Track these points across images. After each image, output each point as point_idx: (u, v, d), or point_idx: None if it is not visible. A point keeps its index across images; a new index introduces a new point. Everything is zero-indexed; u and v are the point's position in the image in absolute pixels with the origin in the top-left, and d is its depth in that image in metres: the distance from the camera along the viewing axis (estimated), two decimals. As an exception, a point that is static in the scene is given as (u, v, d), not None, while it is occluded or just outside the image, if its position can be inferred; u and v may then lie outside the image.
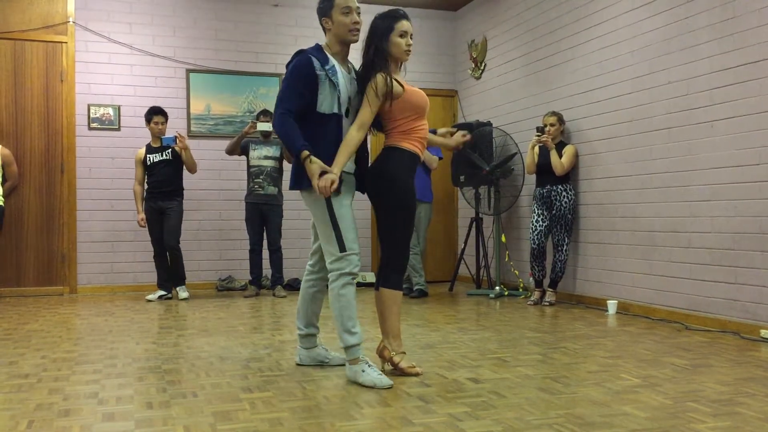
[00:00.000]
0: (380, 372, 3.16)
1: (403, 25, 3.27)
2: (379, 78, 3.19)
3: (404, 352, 3.34)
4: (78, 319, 5.16)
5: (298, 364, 3.54)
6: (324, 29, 3.30)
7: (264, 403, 2.81)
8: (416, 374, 3.29)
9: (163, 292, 6.40)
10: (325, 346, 3.61)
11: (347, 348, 3.19)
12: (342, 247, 3.15)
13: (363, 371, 3.13)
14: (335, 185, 3.06)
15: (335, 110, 3.20)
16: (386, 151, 3.29)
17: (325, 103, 3.19)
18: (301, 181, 3.20)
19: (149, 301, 6.26)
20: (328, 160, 3.14)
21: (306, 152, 3.08)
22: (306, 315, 3.49)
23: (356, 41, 3.29)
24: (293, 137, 3.10)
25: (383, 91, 3.18)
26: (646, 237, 5.19)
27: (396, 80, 3.24)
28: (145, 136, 6.96)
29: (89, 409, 2.74)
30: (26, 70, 6.79)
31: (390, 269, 3.26)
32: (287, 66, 3.28)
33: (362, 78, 3.29)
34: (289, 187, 3.30)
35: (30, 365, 3.57)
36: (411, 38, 3.30)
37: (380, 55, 3.25)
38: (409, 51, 3.30)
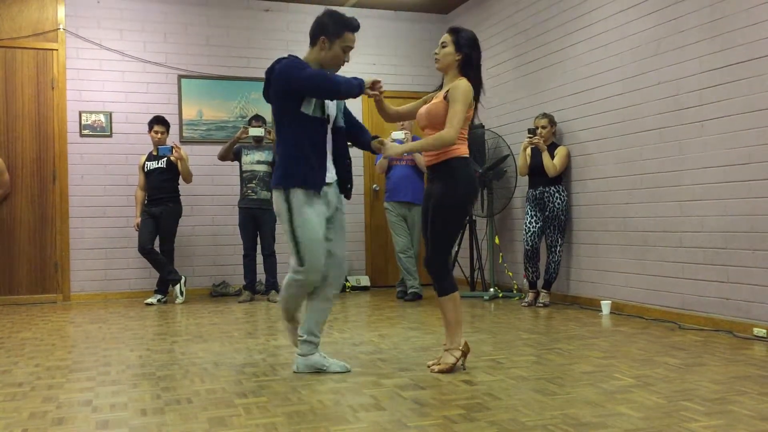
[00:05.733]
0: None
1: None
2: (468, 84, 3.30)
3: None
4: (72, 327, 5.14)
5: (295, 372, 3.47)
6: (314, 44, 3.29)
7: (259, 409, 2.81)
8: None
9: (160, 296, 6.52)
10: (323, 353, 3.51)
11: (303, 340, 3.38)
12: (300, 262, 3.20)
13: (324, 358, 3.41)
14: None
15: (318, 114, 3.23)
16: (460, 162, 3.33)
17: (307, 105, 3.21)
18: (279, 180, 3.25)
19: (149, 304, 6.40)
20: (311, 162, 3.22)
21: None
22: (306, 321, 3.45)
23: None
24: (341, 80, 3.17)
25: (471, 97, 3.30)
26: (639, 237, 5.21)
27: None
28: (138, 143, 7.00)
29: (83, 417, 2.73)
30: (17, 78, 6.77)
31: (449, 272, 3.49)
32: (274, 69, 3.25)
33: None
34: (272, 185, 3.32)
35: (23, 373, 3.55)
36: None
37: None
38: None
